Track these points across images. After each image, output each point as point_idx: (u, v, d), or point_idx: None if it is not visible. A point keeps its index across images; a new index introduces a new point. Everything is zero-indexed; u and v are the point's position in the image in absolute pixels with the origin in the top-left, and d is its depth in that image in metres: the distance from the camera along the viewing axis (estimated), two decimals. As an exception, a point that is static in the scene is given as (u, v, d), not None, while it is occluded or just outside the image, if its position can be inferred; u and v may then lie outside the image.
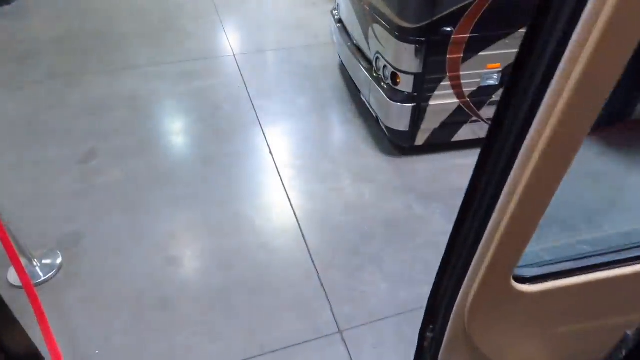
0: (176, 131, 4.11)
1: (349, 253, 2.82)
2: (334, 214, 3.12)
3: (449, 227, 1.00)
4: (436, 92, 3.19)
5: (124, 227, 3.00)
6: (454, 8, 2.81)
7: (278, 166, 3.57)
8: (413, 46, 2.98)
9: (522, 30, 2.97)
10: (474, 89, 3.23)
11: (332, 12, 4.84)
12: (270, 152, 3.74)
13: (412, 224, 2.99)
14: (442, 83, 3.16)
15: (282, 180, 3.42)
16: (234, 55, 5.46)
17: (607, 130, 3.74)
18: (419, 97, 3.20)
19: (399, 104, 3.26)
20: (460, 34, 2.93)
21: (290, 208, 3.16)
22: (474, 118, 3.40)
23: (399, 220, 3.04)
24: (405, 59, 3.06)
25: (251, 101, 4.48)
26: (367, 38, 3.63)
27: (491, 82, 3.22)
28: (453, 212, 0.96)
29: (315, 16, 6.65)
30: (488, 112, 3.38)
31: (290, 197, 3.25)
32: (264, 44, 5.87)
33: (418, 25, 2.88)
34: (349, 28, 4.17)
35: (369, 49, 3.63)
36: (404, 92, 3.22)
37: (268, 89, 4.77)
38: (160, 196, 3.26)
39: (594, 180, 3.08)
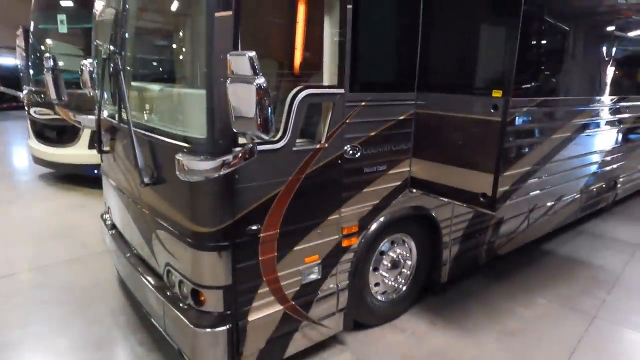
0: None
1: None
2: None
3: None
4: (255, 303, 2.48)
5: None
6: (257, 204, 2.35)
7: None
8: (215, 254, 2.30)
9: (332, 217, 2.70)
10: (297, 288, 2.67)
11: (102, 217, 3.91)
12: None
13: None
14: (260, 290, 2.49)
15: None
16: (-54, 293, 3.70)
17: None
18: (234, 314, 2.41)
19: (208, 329, 2.37)
20: (269, 231, 2.44)
21: None
22: (305, 322, 2.76)
23: None
24: (208, 270, 2.33)
25: (-32, 366, 2.82)
26: (151, 247, 2.81)
27: (313, 276, 2.74)
28: None
29: (83, 220, 5.51)
30: (318, 311, 2.81)
31: None
32: (5, 265, 4.29)
33: (217, 229, 2.27)
34: (127, 235, 3.29)
35: (156, 260, 2.78)
36: (213, 312, 2.39)
37: (8, 333, 3.19)
38: None
39: None
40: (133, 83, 2.94)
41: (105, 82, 3.06)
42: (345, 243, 2.84)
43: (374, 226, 2.99)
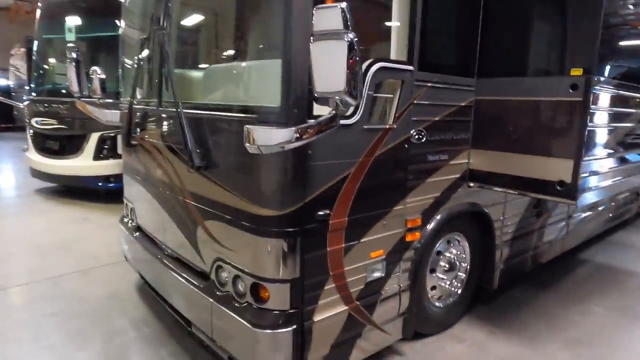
0: None
1: None
2: None
3: None
4: (321, 302, 2.19)
5: None
6: (327, 185, 2.09)
7: None
8: (282, 241, 2.02)
9: (398, 208, 2.46)
10: (362, 286, 2.39)
11: (122, 221, 3.58)
12: None
13: None
14: (327, 287, 2.20)
15: None
16: (-55, 305, 3.29)
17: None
18: (300, 314, 2.11)
19: (270, 331, 2.06)
20: (338, 218, 2.18)
21: None
22: (368, 326, 2.46)
23: None
24: (274, 261, 2.04)
25: (-24, 384, 2.42)
26: (195, 243, 2.50)
27: (377, 273, 2.46)
28: None
29: (90, 232, 5.14)
30: (381, 314, 2.51)
31: None
32: (7, 277, 3.89)
33: (286, 212, 1.99)
34: (158, 235, 2.96)
35: (201, 257, 2.47)
36: (277, 311, 2.08)
37: (18, 347, 2.80)
38: None
39: None
40: (179, 61, 2.71)
41: (143, 65, 2.81)
42: (409, 237, 2.59)
43: (434, 221, 2.75)
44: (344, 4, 1.64)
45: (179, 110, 2.31)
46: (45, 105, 6.50)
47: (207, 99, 2.50)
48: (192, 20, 2.81)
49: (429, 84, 2.49)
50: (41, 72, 6.98)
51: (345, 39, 1.64)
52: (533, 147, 2.62)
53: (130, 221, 3.43)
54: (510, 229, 3.45)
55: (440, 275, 3.01)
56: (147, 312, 3.27)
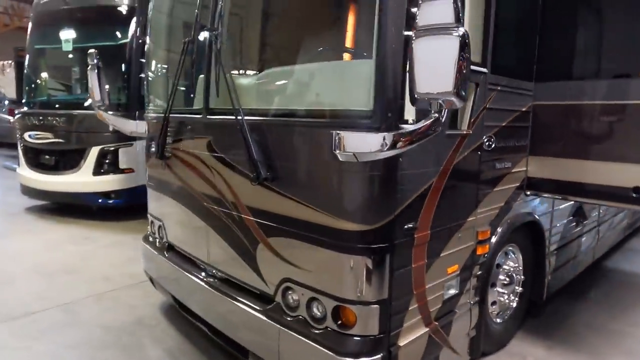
0: None
1: None
2: None
3: None
4: (405, 324, 1.99)
5: None
6: (414, 196, 1.92)
7: None
8: (372, 258, 1.82)
9: (470, 219, 2.30)
10: (439, 305, 2.21)
11: (147, 239, 3.31)
12: None
13: None
14: (411, 307, 2.01)
15: None
16: (-49, 339, 2.92)
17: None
18: (387, 339, 1.90)
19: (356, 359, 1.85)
20: (422, 232, 2.00)
21: None
22: (444, 348, 2.27)
23: None
24: (362, 281, 1.84)
25: None
26: (253, 262, 2.27)
27: (452, 290, 2.29)
28: None
29: (94, 253, 4.80)
30: (454, 334, 2.33)
31: None
32: (14, 305, 3.53)
33: (377, 226, 1.81)
34: (199, 254, 2.70)
35: (262, 277, 2.24)
36: (361, 336, 1.87)
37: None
38: None
39: None
40: (233, 64, 2.51)
41: (183, 71, 2.59)
42: (479, 250, 2.43)
43: (498, 233, 2.61)
44: (457, -6, 1.49)
45: (240, 117, 2.10)
46: (40, 118, 6.13)
47: (273, 104, 2.30)
48: (252, 17, 2.61)
49: (499, 88, 2.37)
50: (33, 85, 6.61)
51: (456, 34, 1.49)
52: (600, 153, 2.52)
53: (158, 239, 3.16)
54: (557, 239, 3.35)
55: (500, 290, 2.86)
56: (182, 339, 2.99)
